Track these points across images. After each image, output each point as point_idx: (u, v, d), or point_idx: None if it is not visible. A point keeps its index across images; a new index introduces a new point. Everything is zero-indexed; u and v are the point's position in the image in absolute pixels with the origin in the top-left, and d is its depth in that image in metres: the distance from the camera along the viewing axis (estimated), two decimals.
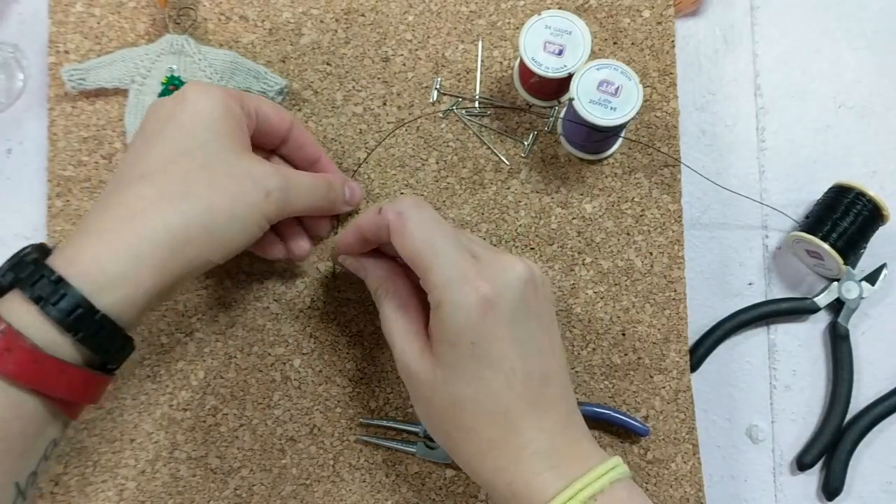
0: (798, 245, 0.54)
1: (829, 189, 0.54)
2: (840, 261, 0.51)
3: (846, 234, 0.51)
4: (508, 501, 0.36)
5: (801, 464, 0.53)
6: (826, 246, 0.51)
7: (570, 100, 0.47)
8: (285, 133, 0.45)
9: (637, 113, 0.46)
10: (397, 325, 0.41)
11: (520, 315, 0.37)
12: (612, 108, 0.47)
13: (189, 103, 0.39)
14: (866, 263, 0.55)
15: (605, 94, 0.47)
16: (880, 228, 0.53)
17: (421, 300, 0.41)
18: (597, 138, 0.50)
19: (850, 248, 0.52)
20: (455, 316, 0.36)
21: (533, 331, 0.38)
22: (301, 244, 0.47)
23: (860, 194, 0.52)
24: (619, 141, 0.53)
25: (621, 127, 0.48)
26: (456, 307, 0.36)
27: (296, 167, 0.47)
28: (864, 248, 0.53)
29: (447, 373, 0.37)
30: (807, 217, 0.54)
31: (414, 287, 0.42)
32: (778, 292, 0.55)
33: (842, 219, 0.52)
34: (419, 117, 0.53)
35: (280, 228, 0.47)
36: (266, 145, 0.46)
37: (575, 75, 0.47)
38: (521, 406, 0.37)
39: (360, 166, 0.52)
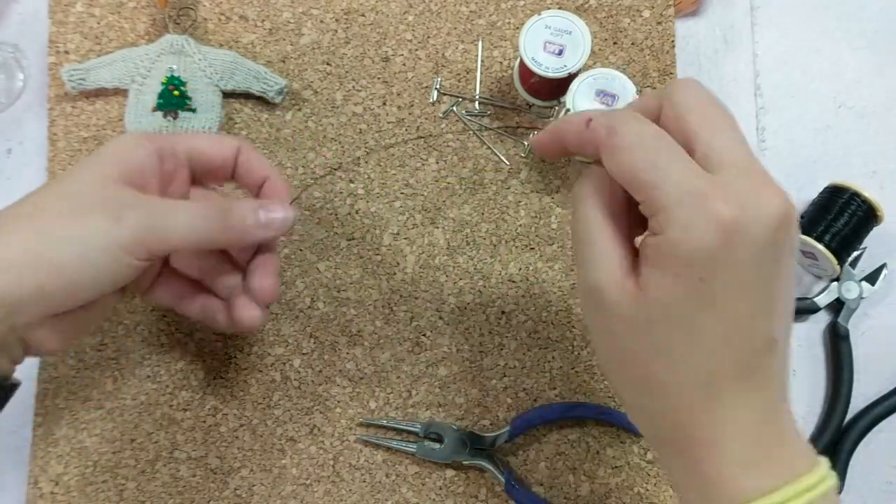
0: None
1: (824, 189, 0.54)
2: (834, 261, 0.51)
3: (840, 234, 0.52)
4: (690, 478, 0.31)
5: None
6: (820, 247, 0.51)
7: (567, 110, 0.47)
8: (230, 162, 0.42)
9: None
10: (601, 235, 0.32)
11: (766, 259, 0.29)
12: None
13: (101, 147, 0.39)
14: (866, 263, 0.55)
15: (601, 104, 0.47)
16: (882, 229, 0.53)
17: (634, 220, 0.33)
18: None
19: (845, 249, 0.52)
20: (687, 239, 0.28)
21: (774, 283, 0.30)
22: (247, 310, 0.42)
23: (854, 195, 0.52)
24: None
25: None
26: (689, 229, 0.28)
27: (249, 191, 0.44)
28: (858, 248, 0.53)
29: (655, 311, 0.30)
30: (801, 217, 0.54)
31: (627, 201, 0.32)
32: None
33: (836, 219, 0.52)
34: (421, 136, 0.53)
35: (219, 289, 0.43)
36: (216, 180, 0.44)
37: (570, 86, 0.47)
38: (734, 373, 0.30)
39: (319, 178, 0.52)
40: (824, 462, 0.30)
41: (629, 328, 0.31)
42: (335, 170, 0.52)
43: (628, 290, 0.30)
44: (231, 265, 0.44)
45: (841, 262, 0.52)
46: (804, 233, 0.52)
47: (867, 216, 0.52)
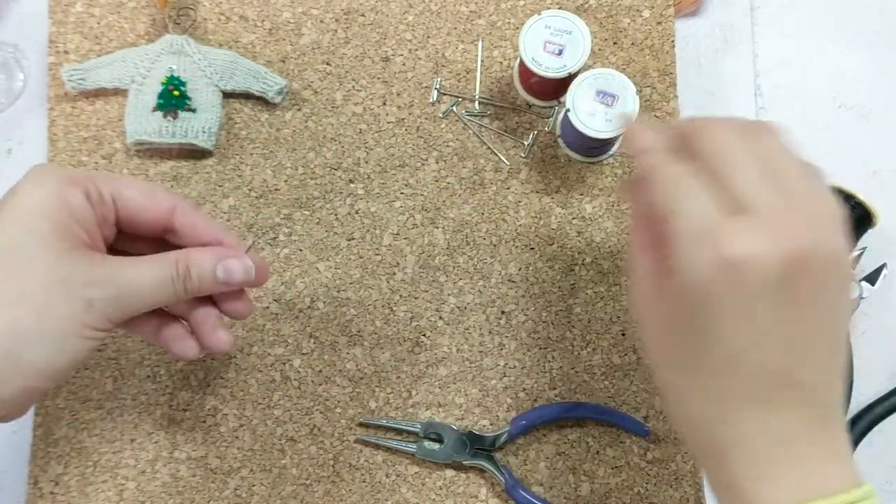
0: None
1: None
2: None
3: None
4: (717, 481, 0.33)
5: None
6: None
7: (567, 110, 0.47)
8: (164, 219, 0.39)
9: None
10: (635, 247, 0.35)
11: (776, 297, 0.29)
12: (607, 120, 0.47)
13: (18, 196, 0.35)
14: (866, 264, 0.55)
15: (601, 104, 0.47)
16: (882, 229, 0.53)
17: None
18: (593, 145, 0.50)
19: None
20: (682, 270, 0.30)
21: (791, 324, 0.30)
22: (217, 337, 0.41)
23: (849, 197, 0.52)
24: (618, 143, 0.53)
25: (617, 137, 0.48)
26: (687, 260, 0.30)
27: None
28: (853, 250, 0.53)
29: (667, 320, 0.33)
30: None
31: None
32: None
33: None
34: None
35: (188, 317, 0.41)
36: (143, 232, 0.39)
37: (570, 86, 0.47)
38: (742, 395, 0.31)
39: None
40: (867, 486, 0.31)
41: (657, 329, 0.34)
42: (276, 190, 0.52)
43: (654, 294, 0.34)
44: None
45: None
46: None
47: (862, 219, 0.52)
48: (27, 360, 0.34)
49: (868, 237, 0.54)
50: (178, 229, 0.39)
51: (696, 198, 0.31)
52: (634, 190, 0.37)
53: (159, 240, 0.40)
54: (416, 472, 0.49)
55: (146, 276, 0.36)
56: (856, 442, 0.52)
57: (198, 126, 0.51)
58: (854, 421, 0.53)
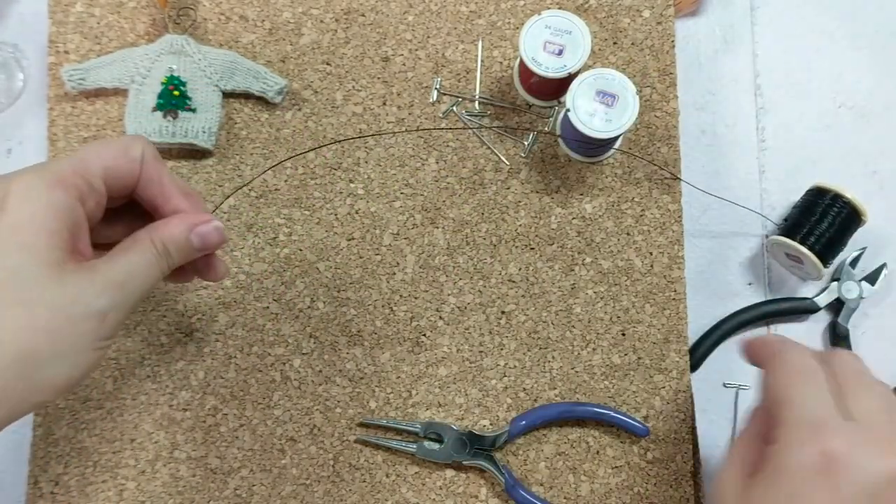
0: (777, 248, 0.53)
1: (807, 191, 0.54)
2: (819, 264, 0.51)
3: (825, 237, 0.51)
4: None
5: None
6: (805, 250, 0.51)
7: (567, 110, 0.47)
8: (136, 175, 0.38)
9: (633, 125, 0.46)
10: (746, 444, 0.36)
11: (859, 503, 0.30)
12: (607, 120, 0.47)
13: (8, 213, 0.32)
14: (867, 263, 0.55)
15: (601, 104, 0.47)
16: (883, 229, 0.53)
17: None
18: (593, 145, 0.50)
19: (830, 251, 0.52)
20: (788, 452, 0.31)
21: None
22: (215, 269, 0.41)
23: (837, 196, 0.52)
24: (618, 143, 0.53)
25: (617, 137, 0.48)
26: (794, 444, 0.31)
27: (149, 208, 0.39)
28: (843, 249, 0.53)
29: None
30: (785, 220, 0.54)
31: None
32: (778, 292, 0.55)
33: (820, 222, 0.51)
34: (420, 129, 0.53)
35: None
36: (119, 197, 0.38)
37: (570, 86, 0.47)
38: None
39: None
40: None
41: None
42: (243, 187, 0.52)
43: (743, 484, 0.34)
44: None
45: (826, 264, 0.51)
46: (787, 236, 0.52)
47: (850, 217, 0.52)
48: (44, 380, 0.33)
49: (867, 237, 0.54)
50: (140, 186, 0.38)
51: (815, 392, 0.33)
52: (762, 366, 0.38)
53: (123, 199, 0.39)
54: (416, 472, 0.49)
55: (135, 266, 0.36)
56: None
57: (198, 126, 0.51)
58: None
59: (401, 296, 0.51)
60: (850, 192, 0.51)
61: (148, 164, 0.38)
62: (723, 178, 0.56)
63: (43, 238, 0.32)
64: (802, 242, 0.51)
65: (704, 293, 0.55)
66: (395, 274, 0.51)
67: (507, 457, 0.50)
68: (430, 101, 0.53)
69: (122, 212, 0.39)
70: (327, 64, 0.54)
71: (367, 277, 0.51)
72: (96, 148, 0.36)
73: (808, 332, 0.55)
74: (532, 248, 0.52)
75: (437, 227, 0.52)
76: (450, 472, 0.50)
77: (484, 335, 0.51)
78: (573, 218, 0.52)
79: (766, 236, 0.55)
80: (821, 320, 0.55)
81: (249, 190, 0.52)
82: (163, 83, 0.51)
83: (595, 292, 0.52)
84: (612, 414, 0.49)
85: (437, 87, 0.53)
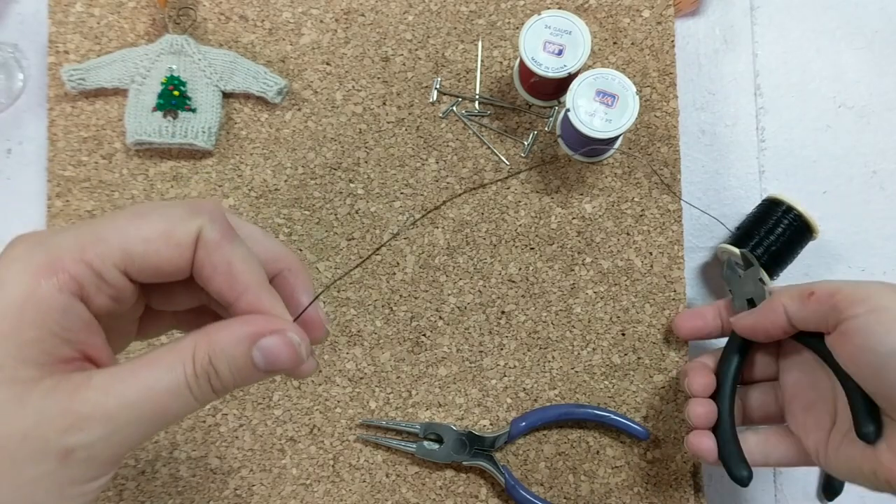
0: (724, 256, 0.53)
1: (762, 201, 0.53)
2: (765, 275, 0.50)
3: (773, 248, 0.50)
4: None
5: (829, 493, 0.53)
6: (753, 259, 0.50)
7: (567, 110, 0.47)
8: (184, 265, 0.27)
9: (633, 125, 0.46)
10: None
11: None
12: (607, 120, 0.47)
13: None
14: (869, 264, 0.55)
15: (601, 104, 0.47)
16: (883, 229, 0.53)
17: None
18: (593, 145, 0.50)
19: (777, 263, 0.51)
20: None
21: None
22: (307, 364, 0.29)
23: (789, 209, 0.51)
24: (618, 143, 0.53)
25: (617, 137, 0.48)
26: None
27: (219, 300, 0.28)
28: (791, 262, 0.52)
29: None
30: (737, 229, 0.54)
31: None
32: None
33: (770, 233, 0.51)
34: (474, 187, 0.53)
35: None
36: (171, 279, 0.28)
37: (570, 86, 0.47)
38: None
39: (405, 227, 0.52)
40: None
41: None
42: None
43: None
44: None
45: (772, 275, 0.51)
46: (737, 245, 0.51)
47: (801, 230, 0.51)
48: None
49: (868, 237, 0.53)
50: (201, 277, 0.27)
51: None
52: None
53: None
54: (416, 472, 0.49)
55: (147, 392, 0.25)
56: None
57: (198, 126, 0.51)
58: None
59: (401, 296, 0.51)
60: (802, 206, 0.51)
61: (209, 249, 0.27)
62: (723, 178, 0.56)
63: (11, 349, 0.24)
64: (752, 251, 0.50)
65: (704, 293, 0.55)
66: (395, 274, 0.51)
67: (507, 457, 0.50)
68: (430, 101, 0.53)
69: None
70: (327, 64, 0.54)
71: (367, 277, 0.51)
72: (126, 220, 0.26)
73: None
74: (532, 248, 0.52)
75: (437, 227, 0.52)
76: (450, 472, 0.50)
77: (484, 335, 0.51)
78: (573, 218, 0.52)
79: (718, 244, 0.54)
80: None
81: (249, 190, 0.52)
82: (163, 83, 0.51)
83: (595, 292, 0.52)
84: (613, 417, 0.49)
85: (437, 87, 0.53)
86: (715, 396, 0.45)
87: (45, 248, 0.25)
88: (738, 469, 0.42)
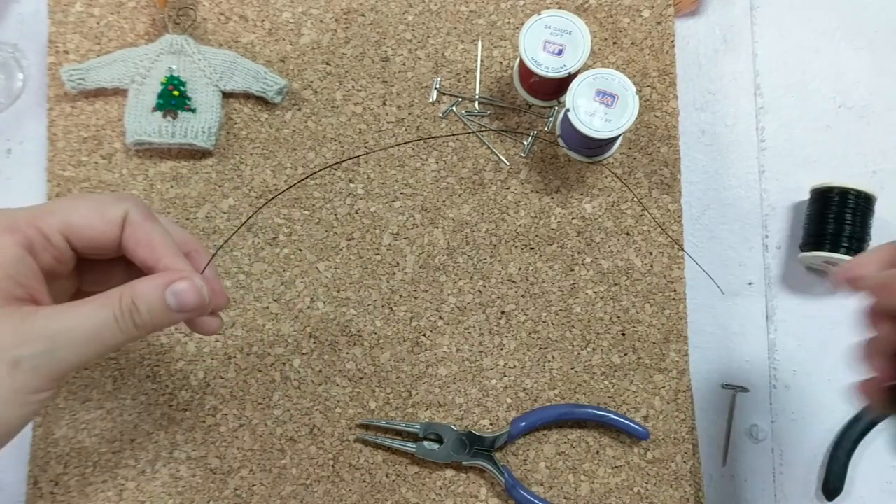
0: (812, 261, 0.53)
1: (813, 195, 0.53)
2: None
3: (854, 236, 0.51)
4: None
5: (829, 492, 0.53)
6: (847, 258, 0.50)
7: (567, 110, 0.47)
8: (114, 237, 0.35)
9: (633, 125, 0.46)
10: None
11: None
12: (607, 120, 0.47)
13: None
14: None
15: (601, 104, 0.47)
16: (882, 229, 0.53)
17: None
18: (593, 145, 0.50)
19: (861, 249, 0.51)
20: None
21: None
22: (209, 323, 0.38)
23: (843, 192, 0.51)
24: (618, 143, 0.53)
25: (617, 137, 0.48)
26: None
27: (143, 268, 0.36)
28: (869, 241, 0.52)
29: None
30: (805, 231, 0.53)
31: None
32: (777, 292, 0.55)
33: (841, 222, 0.51)
34: (422, 138, 0.53)
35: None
36: (105, 256, 0.36)
37: (570, 86, 0.47)
38: None
39: None
40: None
41: None
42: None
43: None
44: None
45: None
46: (814, 249, 0.51)
47: (867, 206, 0.51)
48: None
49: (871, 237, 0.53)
50: (128, 248, 0.35)
51: None
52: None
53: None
54: (416, 472, 0.49)
55: (82, 321, 0.32)
56: (856, 441, 0.52)
57: (198, 126, 0.51)
58: (854, 420, 0.53)
59: (401, 296, 0.51)
60: (851, 183, 0.51)
61: (134, 227, 0.35)
62: (723, 178, 0.56)
63: None
64: (835, 250, 0.50)
65: (705, 293, 0.55)
66: (395, 274, 0.51)
67: (507, 457, 0.50)
68: (430, 100, 0.53)
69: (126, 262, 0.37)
70: (327, 64, 0.54)
71: (367, 277, 0.51)
72: (68, 202, 0.35)
73: (809, 332, 0.55)
74: (532, 248, 0.52)
75: (437, 227, 0.52)
76: (450, 472, 0.50)
77: (484, 335, 0.51)
78: (573, 218, 0.52)
79: (800, 250, 0.54)
80: None
81: (249, 190, 0.52)
82: (162, 83, 0.51)
83: (595, 292, 0.52)
84: (613, 417, 0.49)
85: (437, 86, 0.53)
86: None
87: (6, 216, 0.33)
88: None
